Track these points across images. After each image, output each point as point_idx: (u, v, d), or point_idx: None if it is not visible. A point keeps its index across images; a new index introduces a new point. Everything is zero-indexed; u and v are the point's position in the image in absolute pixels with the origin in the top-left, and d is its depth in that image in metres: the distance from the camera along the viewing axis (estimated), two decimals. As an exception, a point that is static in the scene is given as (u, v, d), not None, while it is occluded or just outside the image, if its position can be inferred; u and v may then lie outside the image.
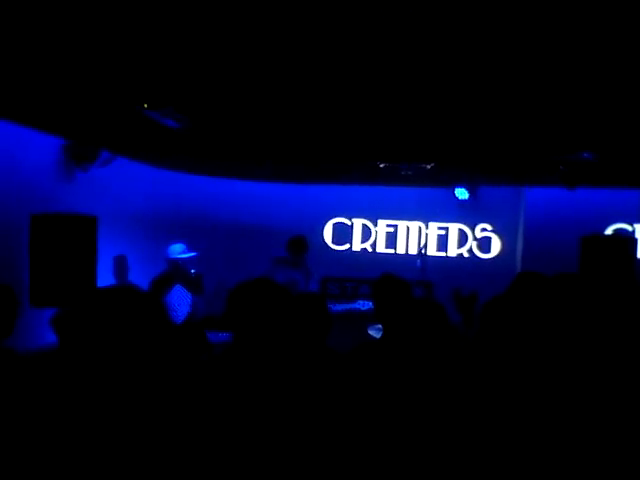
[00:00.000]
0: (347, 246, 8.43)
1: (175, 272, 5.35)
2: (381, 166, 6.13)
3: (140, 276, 5.84)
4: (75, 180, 5.92)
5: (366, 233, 8.41)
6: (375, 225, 8.38)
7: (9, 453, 1.70)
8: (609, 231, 7.41)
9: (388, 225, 8.35)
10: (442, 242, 8.19)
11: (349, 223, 8.42)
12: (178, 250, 5.38)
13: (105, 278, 6.07)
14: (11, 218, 5.15)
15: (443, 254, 8.15)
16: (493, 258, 8.02)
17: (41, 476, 1.58)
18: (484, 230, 8.08)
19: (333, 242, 8.45)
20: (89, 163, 5.82)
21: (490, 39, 2.65)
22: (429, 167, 6.09)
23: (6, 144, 5.06)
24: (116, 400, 1.65)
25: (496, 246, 8.05)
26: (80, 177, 5.92)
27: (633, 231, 7.40)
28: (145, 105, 4.03)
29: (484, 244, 8.09)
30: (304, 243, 6.05)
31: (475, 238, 8.09)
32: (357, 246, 8.43)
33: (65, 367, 1.97)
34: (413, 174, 6.53)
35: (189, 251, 5.43)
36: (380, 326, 3.95)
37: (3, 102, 4.33)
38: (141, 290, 1.76)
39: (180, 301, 5.34)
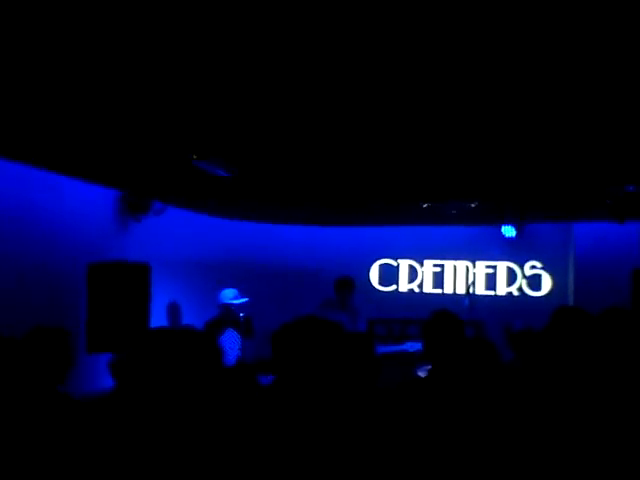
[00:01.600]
0: (394, 287, 8.40)
1: (226, 316, 5.49)
2: (424, 206, 6.17)
3: (193, 321, 5.97)
4: (129, 229, 6.17)
5: (412, 273, 8.37)
6: (421, 265, 8.35)
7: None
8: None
9: (435, 265, 8.31)
10: (491, 281, 8.09)
11: (395, 264, 8.42)
12: (230, 295, 5.54)
13: (158, 324, 6.22)
14: (69, 268, 5.38)
15: (492, 293, 8.04)
16: (544, 296, 7.84)
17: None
18: (534, 267, 7.95)
19: (379, 283, 8.44)
20: (142, 213, 6.06)
21: (533, 70, 2.66)
22: (473, 205, 6.09)
23: (65, 197, 5.34)
24: (171, 439, 1.72)
25: (547, 283, 7.89)
26: (134, 226, 6.17)
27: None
28: (194, 156, 4.22)
29: (534, 282, 7.94)
30: (349, 283, 6.11)
31: (525, 276, 7.95)
32: (404, 287, 8.38)
33: (122, 409, 2.06)
34: (457, 213, 6.54)
35: (241, 296, 5.57)
36: (429, 367, 3.91)
37: (61, 158, 4.61)
38: (198, 331, 1.84)
39: (231, 345, 5.45)
